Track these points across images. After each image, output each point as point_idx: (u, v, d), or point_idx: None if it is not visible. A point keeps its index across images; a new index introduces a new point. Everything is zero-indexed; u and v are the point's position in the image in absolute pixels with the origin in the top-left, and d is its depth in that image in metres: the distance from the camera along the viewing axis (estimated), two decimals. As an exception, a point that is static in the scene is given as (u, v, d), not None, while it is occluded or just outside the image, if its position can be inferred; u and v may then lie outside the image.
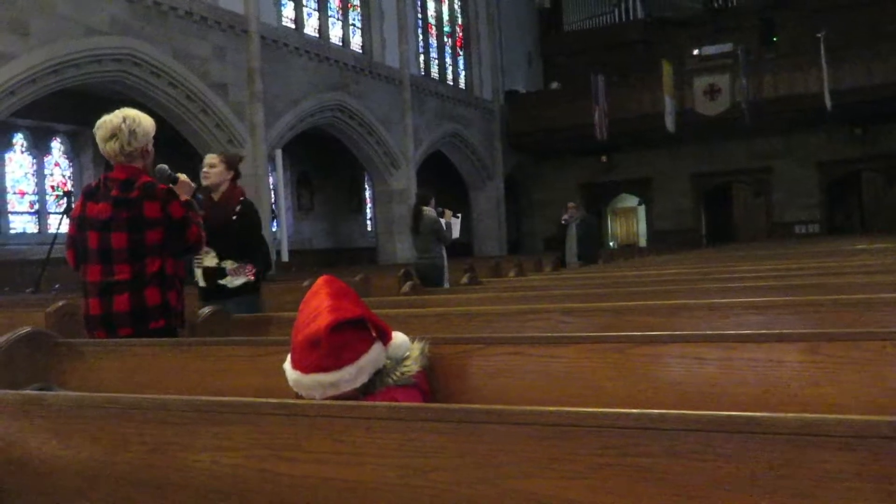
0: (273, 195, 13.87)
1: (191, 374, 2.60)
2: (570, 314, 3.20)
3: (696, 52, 20.62)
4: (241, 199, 4.68)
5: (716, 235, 22.94)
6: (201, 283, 4.64)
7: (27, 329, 2.77)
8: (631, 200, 24.81)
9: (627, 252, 16.19)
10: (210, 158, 4.82)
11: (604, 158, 22.65)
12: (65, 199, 12.06)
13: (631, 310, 3.17)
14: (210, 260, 4.58)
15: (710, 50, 20.34)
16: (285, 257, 13.60)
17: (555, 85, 23.26)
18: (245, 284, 4.58)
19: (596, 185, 23.43)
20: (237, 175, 4.80)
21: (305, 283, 6.64)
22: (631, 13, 23.67)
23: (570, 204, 11.33)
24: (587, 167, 23.12)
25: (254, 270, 4.63)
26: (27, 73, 9.23)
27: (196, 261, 4.59)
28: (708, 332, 2.18)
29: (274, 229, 13.85)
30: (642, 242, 24.10)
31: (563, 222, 10.68)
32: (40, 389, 2.21)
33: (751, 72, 18.63)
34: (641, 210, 24.56)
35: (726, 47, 20.04)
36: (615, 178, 23.14)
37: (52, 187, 13.71)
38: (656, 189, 22.92)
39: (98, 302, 3.25)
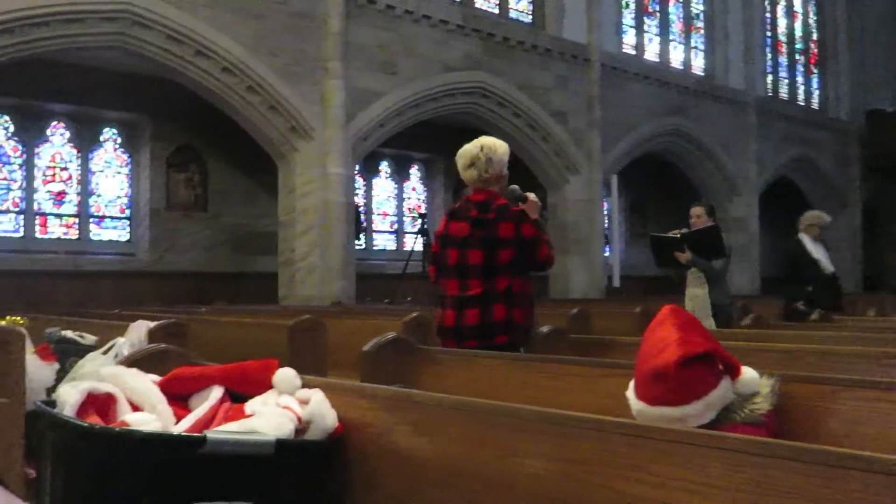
0: (607, 220, 13.97)
1: (527, 389, 2.72)
2: (949, 361, 2.79)
3: None
4: None
5: None
6: None
7: (392, 335, 3.14)
8: None
9: None
10: None
11: None
12: (419, 220, 13.28)
13: None
14: None
15: None
16: (616, 283, 13.59)
17: (929, 101, 20.46)
18: None
19: (983, 214, 20.05)
20: None
21: (637, 310, 6.60)
22: None
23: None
24: (970, 192, 19.91)
25: None
26: (394, 107, 10.47)
27: None
28: None
29: (607, 254, 13.93)
30: None
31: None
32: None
33: None
34: None
35: None
36: None
37: (409, 209, 15.23)
38: None
39: (453, 314, 3.55)
